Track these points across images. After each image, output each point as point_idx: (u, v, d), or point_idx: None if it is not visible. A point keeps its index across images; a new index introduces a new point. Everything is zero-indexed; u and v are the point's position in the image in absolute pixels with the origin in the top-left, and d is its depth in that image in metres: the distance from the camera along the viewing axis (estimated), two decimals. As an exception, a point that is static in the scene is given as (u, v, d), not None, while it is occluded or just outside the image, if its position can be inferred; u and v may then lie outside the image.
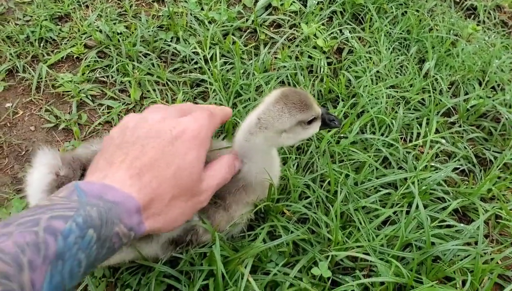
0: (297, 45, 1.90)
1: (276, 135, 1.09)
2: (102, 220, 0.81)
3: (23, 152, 1.61)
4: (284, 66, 1.79)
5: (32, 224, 0.75)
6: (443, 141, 1.64)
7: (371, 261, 1.22)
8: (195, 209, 1.04)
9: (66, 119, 1.66)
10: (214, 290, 1.13)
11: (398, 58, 1.89)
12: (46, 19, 1.96)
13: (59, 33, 1.93)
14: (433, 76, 1.85)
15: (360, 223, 1.30)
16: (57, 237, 0.75)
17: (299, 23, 1.98)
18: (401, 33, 2.00)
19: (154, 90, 1.73)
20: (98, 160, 0.97)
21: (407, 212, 1.34)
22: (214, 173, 1.07)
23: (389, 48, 1.91)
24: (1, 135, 1.64)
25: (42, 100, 1.75)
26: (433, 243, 1.26)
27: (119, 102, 1.71)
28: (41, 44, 1.90)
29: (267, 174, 1.17)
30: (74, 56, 1.87)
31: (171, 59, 1.86)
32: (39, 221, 0.76)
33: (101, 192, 0.85)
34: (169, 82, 1.76)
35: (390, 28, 2.01)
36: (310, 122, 1.11)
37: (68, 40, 1.92)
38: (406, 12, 2.10)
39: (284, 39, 1.92)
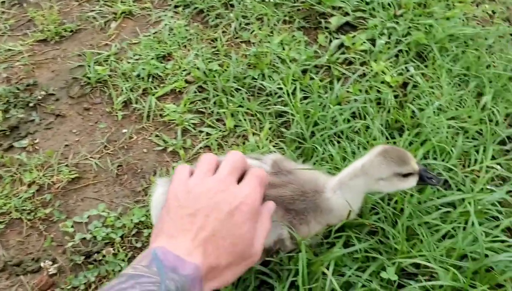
0: (367, 80, 2.17)
1: (374, 181, 1.38)
2: None
3: (139, 170, 1.96)
4: (356, 100, 2.06)
5: None
6: (498, 167, 1.84)
7: (432, 268, 1.45)
8: (246, 269, 1.18)
9: (173, 143, 2.01)
10: (302, 284, 1.41)
11: (458, 93, 2.11)
12: (152, 58, 2.34)
13: (164, 70, 2.30)
14: (490, 108, 2.05)
15: (423, 236, 1.53)
16: None
17: (369, 61, 2.26)
18: (461, 70, 2.22)
19: (245, 120, 2.05)
20: (164, 220, 1.11)
21: (464, 228, 1.56)
22: (259, 233, 1.18)
23: (450, 83, 2.14)
24: (121, 156, 2.00)
25: (152, 127, 2.11)
26: (486, 255, 1.47)
27: (216, 130, 2.04)
28: (149, 80, 2.28)
29: (351, 207, 1.44)
30: (177, 90, 2.23)
31: (258, 93, 2.18)
32: None
33: (175, 264, 0.98)
34: (257, 113, 2.08)
35: (451, 65, 2.23)
36: (406, 175, 1.38)
37: (171, 76, 2.28)
38: (465, 51, 2.32)
39: (356, 76, 2.20)
